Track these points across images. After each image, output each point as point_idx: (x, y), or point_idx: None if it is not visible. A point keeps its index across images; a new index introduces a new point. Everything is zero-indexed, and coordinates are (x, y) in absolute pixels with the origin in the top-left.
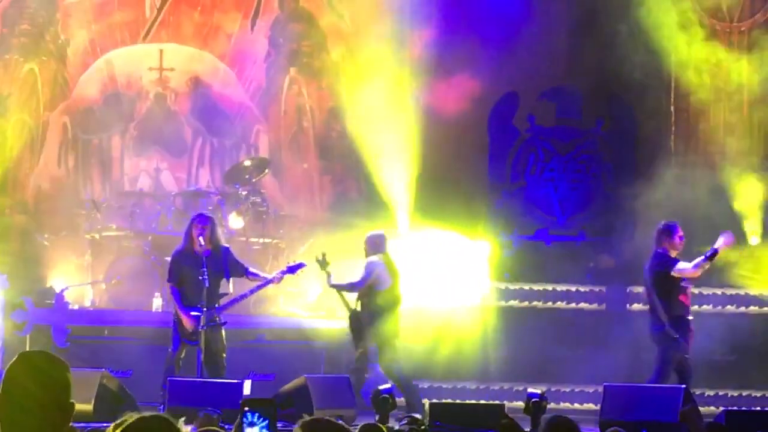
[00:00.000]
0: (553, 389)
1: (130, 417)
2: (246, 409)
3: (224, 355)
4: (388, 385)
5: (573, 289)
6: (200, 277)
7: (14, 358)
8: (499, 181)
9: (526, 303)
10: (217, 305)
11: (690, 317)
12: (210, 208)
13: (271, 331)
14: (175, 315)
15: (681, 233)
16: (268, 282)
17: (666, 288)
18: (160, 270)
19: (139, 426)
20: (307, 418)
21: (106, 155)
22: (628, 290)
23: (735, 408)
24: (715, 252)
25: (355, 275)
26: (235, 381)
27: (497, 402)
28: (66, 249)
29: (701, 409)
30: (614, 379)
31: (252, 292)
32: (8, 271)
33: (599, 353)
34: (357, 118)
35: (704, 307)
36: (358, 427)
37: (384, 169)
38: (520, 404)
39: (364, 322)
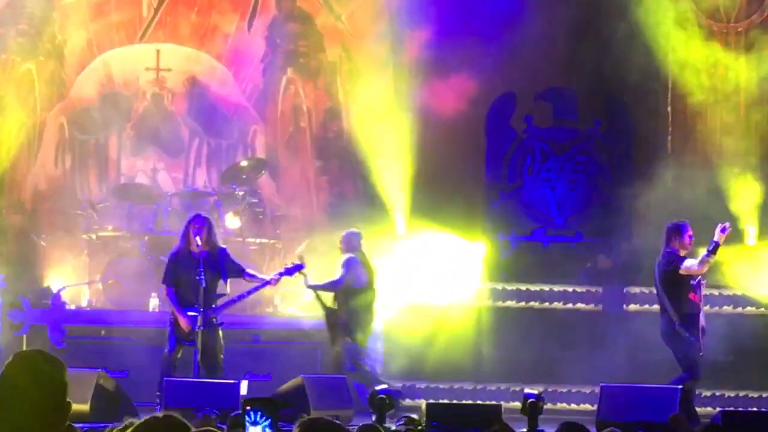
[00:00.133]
0: (550, 390)
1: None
2: (248, 408)
3: (221, 355)
4: (384, 386)
5: (570, 289)
6: (197, 278)
7: (10, 358)
8: (496, 182)
9: (523, 303)
10: (214, 306)
11: (701, 315)
12: (207, 208)
13: (268, 332)
14: (171, 315)
15: (691, 232)
16: (265, 283)
17: (675, 287)
18: (156, 270)
19: (151, 425)
20: (306, 418)
21: (103, 155)
22: (625, 291)
23: (732, 408)
24: (717, 244)
25: (333, 275)
26: (232, 381)
27: (494, 402)
28: (63, 249)
29: (698, 409)
30: (611, 379)
31: (249, 293)
32: (5, 271)
33: (596, 354)
34: (354, 119)
35: (703, 307)
36: (356, 428)
37: (381, 169)
38: (517, 405)
39: (340, 320)
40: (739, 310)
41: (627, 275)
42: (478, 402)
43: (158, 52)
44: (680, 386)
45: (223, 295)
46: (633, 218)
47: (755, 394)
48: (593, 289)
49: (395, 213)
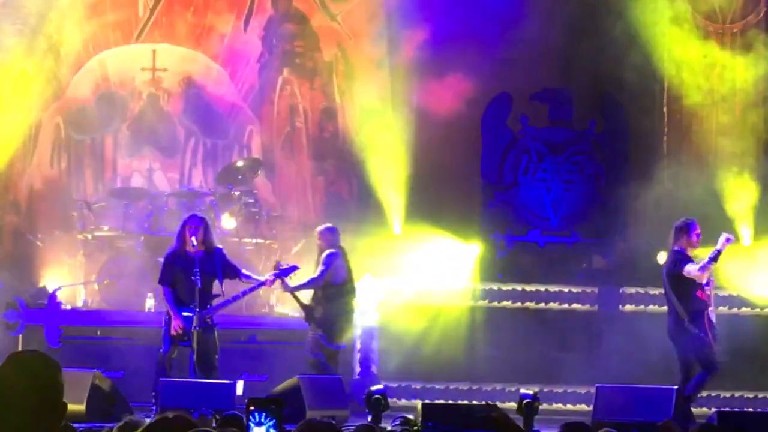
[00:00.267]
0: (545, 390)
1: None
2: (252, 408)
3: (216, 356)
4: (380, 386)
5: (566, 290)
6: (193, 278)
7: (5, 358)
8: (492, 182)
9: (518, 304)
10: (209, 306)
11: (710, 312)
12: (202, 208)
13: (264, 332)
14: (166, 315)
15: (698, 231)
16: (260, 284)
17: (682, 286)
18: (152, 270)
19: (161, 424)
20: (305, 420)
21: (99, 155)
22: (620, 291)
23: (727, 409)
24: (719, 252)
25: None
26: (228, 382)
27: (490, 402)
28: (58, 249)
29: (694, 410)
30: (607, 380)
31: (244, 293)
32: (1, 271)
33: (592, 354)
34: (350, 119)
35: None
36: (352, 428)
37: (377, 169)
38: (513, 405)
39: (317, 316)
40: (735, 310)
41: (623, 276)
42: (474, 402)
43: (154, 52)
44: (702, 381)
45: (219, 295)
46: (629, 219)
47: (751, 395)
48: (589, 290)
49: (391, 213)
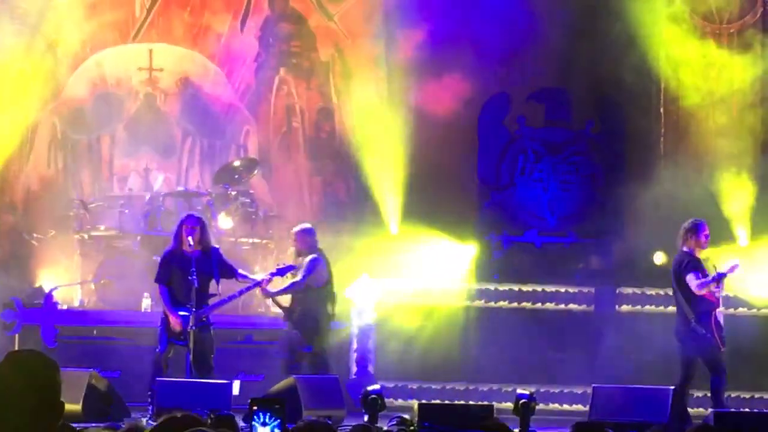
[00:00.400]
0: (542, 390)
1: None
2: (256, 408)
3: (213, 355)
4: (377, 386)
5: (562, 290)
6: (189, 278)
7: (3, 358)
8: (489, 182)
9: (515, 304)
10: (205, 306)
11: (717, 313)
12: (199, 208)
13: (260, 332)
14: (163, 315)
15: (707, 231)
16: (256, 284)
17: (689, 287)
18: (149, 270)
19: (170, 424)
20: (303, 420)
21: (96, 155)
22: (617, 291)
23: (724, 410)
24: (723, 276)
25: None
26: (224, 381)
27: (486, 403)
28: (55, 249)
29: (691, 410)
30: (603, 380)
31: (241, 293)
32: None
33: (588, 354)
34: (347, 119)
35: None
36: (349, 428)
37: (374, 169)
38: (509, 405)
39: (296, 317)
40: (731, 311)
41: (619, 276)
42: (470, 402)
43: (151, 51)
44: (720, 387)
45: (215, 295)
46: (626, 219)
47: (747, 395)
48: (585, 290)
49: (388, 213)
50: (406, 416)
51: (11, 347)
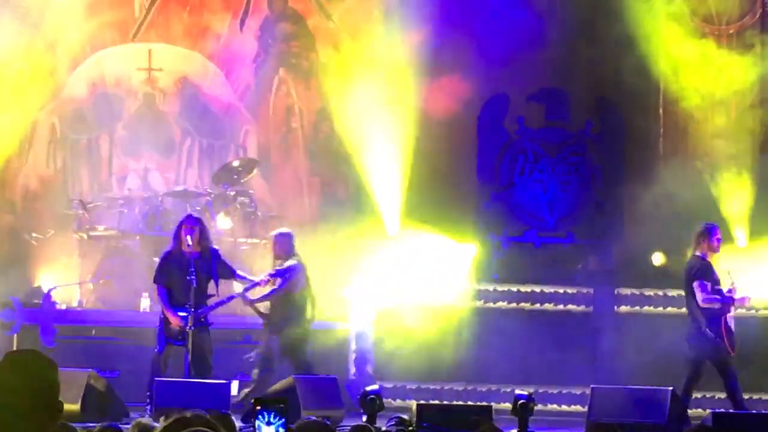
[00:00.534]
0: (540, 391)
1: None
2: (259, 408)
3: (211, 355)
4: (375, 386)
5: (561, 291)
6: (188, 278)
7: (1, 358)
8: (488, 183)
9: (514, 304)
10: (204, 306)
11: (728, 318)
12: (198, 208)
13: (258, 332)
14: (161, 315)
15: (719, 235)
16: (255, 285)
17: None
18: (148, 270)
19: (179, 424)
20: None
21: (95, 155)
22: (616, 292)
23: (723, 410)
24: (731, 302)
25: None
26: (223, 382)
27: (485, 403)
28: (54, 249)
29: (689, 411)
30: (602, 381)
31: (239, 294)
32: None
33: (587, 355)
34: (346, 119)
35: None
36: (348, 428)
37: (373, 170)
38: (508, 406)
39: (275, 321)
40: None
41: (618, 277)
42: (469, 403)
43: (150, 51)
44: (734, 390)
45: (214, 295)
46: (625, 220)
47: (746, 396)
48: (584, 291)
49: (387, 214)
50: (405, 416)
51: (10, 347)
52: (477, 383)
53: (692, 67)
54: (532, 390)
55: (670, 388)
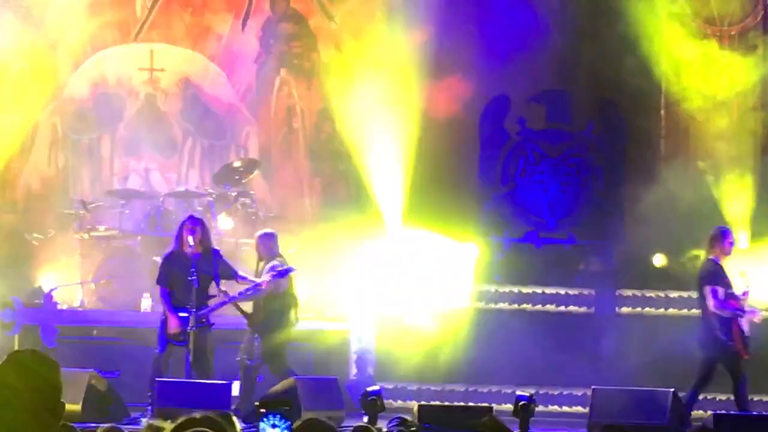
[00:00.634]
0: (541, 392)
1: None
2: (263, 411)
3: (212, 356)
4: (376, 387)
5: (562, 292)
6: (189, 278)
7: (4, 358)
8: (490, 184)
9: (515, 306)
10: (205, 306)
11: (741, 321)
12: (199, 208)
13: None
14: (163, 315)
15: (731, 239)
16: (257, 285)
17: None
18: (149, 271)
19: (191, 425)
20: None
21: (96, 155)
22: (617, 293)
23: (723, 412)
24: (742, 312)
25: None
26: (224, 382)
27: (486, 404)
28: (55, 249)
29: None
30: (603, 382)
31: (241, 295)
32: None
33: (588, 356)
34: (347, 120)
35: (694, 310)
36: (349, 429)
37: (374, 170)
38: (509, 407)
39: (257, 321)
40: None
41: (619, 278)
42: (470, 404)
43: (152, 52)
44: (742, 393)
45: (215, 296)
46: (626, 221)
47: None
48: (586, 292)
49: (388, 214)
50: (407, 417)
51: (11, 347)
52: (478, 384)
53: (694, 68)
54: (533, 391)
55: (672, 389)
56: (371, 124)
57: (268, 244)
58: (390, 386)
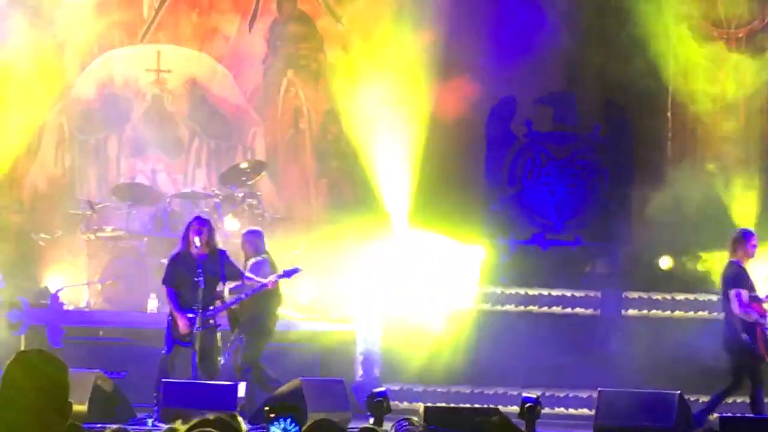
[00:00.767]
0: (547, 394)
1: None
2: (273, 415)
3: (219, 357)
4: (382, 388)
5: (568, 294)
6: (196, 279)
7: (12, 358)
8: (496, 185)
9: (521, 308)
10: (212, 307)
11: (763, 322)
12: (206, 209)
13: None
14: (169, 316)
15: (754, 242)
16: (262, 286)
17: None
18: (155, 271)
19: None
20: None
21: (103, 156)
22: (623, 295)
23: (730, 415)
24: (765, 317)
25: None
26: (230, 383)
27: (492, 406)
28: (62, 249)
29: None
30: (609, 384)
31: (247, 295)
32: (4, 270)
33: (594, 358)
34: (353, 121)
35: (700, 313)
36: (355, 431)
37: (380, 172)
38: (515, 409)
39: (242, 320)
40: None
41: (625, 280)
42: (476, 406)
43: (159, 53)
44: (759, 397)
45: (221, 297)
46: (633, 223)
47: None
48: (592, 294)
49: (394, 215)
50: (414, 418)
51: (17, 347)
52: (484, 386)
53: (701, 70)
54: (539, 393)
55: (678, 391)
56: (378, 125)
57: (254, 242)
58: (396, 388)
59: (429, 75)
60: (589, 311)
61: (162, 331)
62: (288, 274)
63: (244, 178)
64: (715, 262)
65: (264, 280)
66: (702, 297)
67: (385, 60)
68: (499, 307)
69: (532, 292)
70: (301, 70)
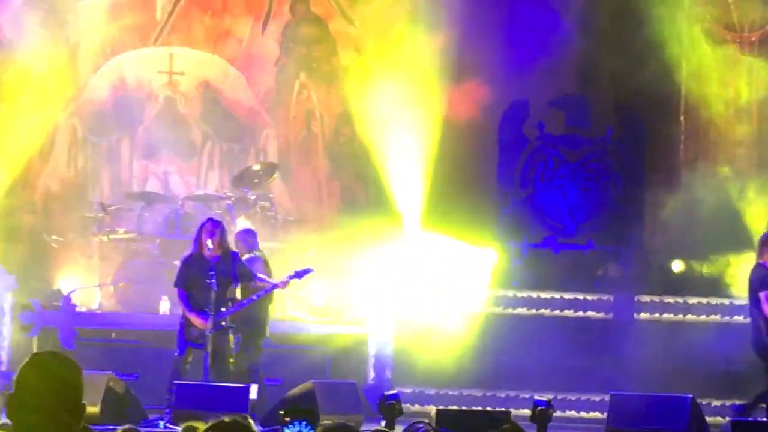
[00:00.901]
0: (559, 397)
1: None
2: (288, 419)
3: (231, 359)
4: (394, 391)
5: (581, 297)
6: (208, 281)
7: (27, 359)
8: (508, 189)
9: (533, 311)
10: (224, 309)
11: None
12: (218, 211)
13: (278, 336)
14: (182, 318)
15: None
16: (274, 287)
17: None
18: (168, 273)
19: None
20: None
21: (116, 158)
22: (636, 299)
23: (742, 419)
24: None
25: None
26: (242, 385)
27: (503, 409)
28: (74, 251)
29: (709, 419)
30: (621, 387)
31: (259, 296)
32: (16, 272)
33: (606, 362)
34: (366, 123)
35: (712, 317)
36: None
37: (392, 174)
38: (527, 412)
39: (239, 323)
40: (748, 320)
41: (638, 284)
42: (488, 409)
43: (171, 55)
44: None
45: (234, 298)
46: (645, 227)
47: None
48: (604, 298)
49: (406, 219)
50: (426, 421)
51: (30, 349)
52: (496, 389)
53: (715, 73)
54: (551, 396)
55: (690, 395)
56: (390, 127)
57: (247, 240)
58: (408, 390)
59: (442, 77)
60: (602, 315)
61: (174, 333)
62: (300, 274)
63: (256, 181)
64: (728, 266)
65: (276, 281)
66: (715, 300)
67: (398, 62)
68: (511, 311)
69: (544, 295)
70: (314, 73)
